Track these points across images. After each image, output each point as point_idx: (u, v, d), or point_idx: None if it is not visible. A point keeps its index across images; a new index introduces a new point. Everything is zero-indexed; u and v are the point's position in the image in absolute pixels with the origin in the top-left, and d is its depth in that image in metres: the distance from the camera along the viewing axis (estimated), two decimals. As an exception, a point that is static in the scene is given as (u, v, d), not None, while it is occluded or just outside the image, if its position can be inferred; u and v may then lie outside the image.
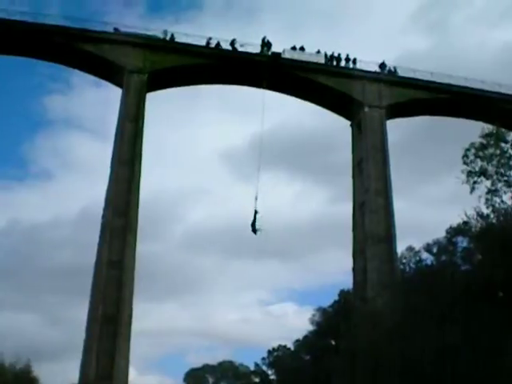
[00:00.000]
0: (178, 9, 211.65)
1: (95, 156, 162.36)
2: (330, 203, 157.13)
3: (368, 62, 66.66)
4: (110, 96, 61.68)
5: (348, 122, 68.90)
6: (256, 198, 52.83)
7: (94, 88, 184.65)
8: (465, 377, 32.94)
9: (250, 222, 52.19)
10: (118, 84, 62.42)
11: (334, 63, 65.94)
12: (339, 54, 66.12)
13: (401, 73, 67.49)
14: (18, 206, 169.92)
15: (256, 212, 52.14)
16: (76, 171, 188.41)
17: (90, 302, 54.02)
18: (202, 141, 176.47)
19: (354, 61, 66.11)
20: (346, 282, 67.65)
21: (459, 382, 33.44)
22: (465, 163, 40.62)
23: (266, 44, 64.20)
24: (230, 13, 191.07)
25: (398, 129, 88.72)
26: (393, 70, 67.47)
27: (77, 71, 67.08)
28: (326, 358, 67.34)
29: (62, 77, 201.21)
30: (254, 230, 51.82)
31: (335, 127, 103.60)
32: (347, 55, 66.28)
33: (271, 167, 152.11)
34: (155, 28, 62.91)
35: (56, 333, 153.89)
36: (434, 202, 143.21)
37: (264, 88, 63.08)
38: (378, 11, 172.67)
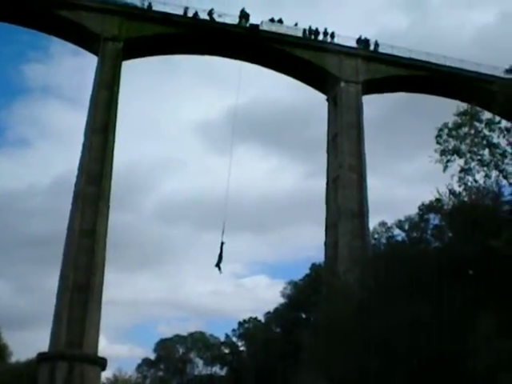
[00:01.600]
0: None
1: (72, 124, 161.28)
2: (305, 178, 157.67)
3: (346, 36, 66.55)
4: (88, 65, 61.18)
5: (324, 97, 68.82)
6: (223, 231, 47.31)
7: (73, 57, 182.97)
8: (434, 352, 33.32)
9: (218, 255, 46.80)
10: (95, 52, 61.78)
11: (312, 37, 65.67)
12: (317, 29, 65.85)
13: (379, 49, 67.39)
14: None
15: (223, 243, 46.77)
16: (53, 139, 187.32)
17: (61, 270, 53.88)
18: (177, 112, 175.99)
19: (332, 35, 65.88)
20: (319, 256, 68.11)
21: (428, 357, 33.83)
22: (438, 143, 40.78)
23: (244, 16, 63.76)
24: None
25: (374, 105, 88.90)
26: (373, 44, 67.19)
27: (56, 40, 66.51)
28: (295, 331, 67.90)
29: (41, 45, 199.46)
30: (219, 265, 46.93)
31: (312, 102, 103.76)
32: (325, 29, 66.09)
33: (247, 141, 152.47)
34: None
35: (27, 301, 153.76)
36: (407, 179, 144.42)
37: (242, 60, 62.72)
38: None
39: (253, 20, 64.04)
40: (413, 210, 52.73)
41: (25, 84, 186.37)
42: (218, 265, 46.80)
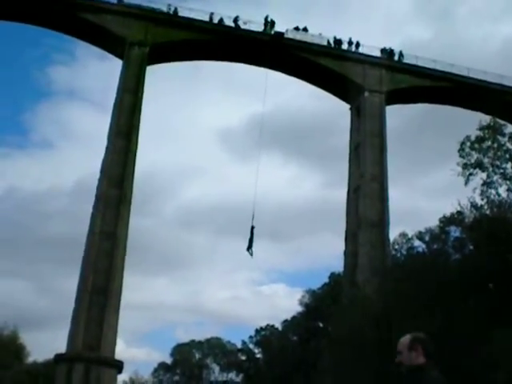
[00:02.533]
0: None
1: (96, 127, 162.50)
2: (325, 187, 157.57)
3: (370, 46, 66.48)
4: (114, 68, 61.52)
5: (347, 107, 68.75)
6: (253, 217, 48.79)
7: (98, 60, 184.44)
8: (451, 364, 33.14)
9: (248, 239, 47.89)
10: (120, 56, 62.14)
11: (336, 46, 65.65)
12: (340, 39, 65.83)
13: (403, 59, 67.23)
14: (17, 174, 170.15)
15: (253, 227, 48.16)
16: (76, 142, 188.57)
17: (80, 272, 54.16)
18: (200, 118, 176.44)
19: (357, 44, 65.82)
20: (338, 265, 67.97)
21: (445, 369, 33.66)
22: (461, 156, 40.63)
23: (269, 23, 63.88)
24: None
25: (396, 116, 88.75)
26: (398, 54, 67.05)
27: (81, 43, 66.97)
28: (312, 340, 67.73)
29: (66, 48, 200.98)
30: (250, 249, 47.61)
31: (334, 112, 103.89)
32: (350, 38, 66.05)
33: (268, 149, 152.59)
34: (160, 2, 62.24)
35: (46, 302, 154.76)
36: (429, 191, 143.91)
37: (267, 67, 62.76)
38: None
39: (279, 28, 64.17)
40: (434, 222, 52.54)
41: (50, 86, 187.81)
42: (248, 249, 46.98)
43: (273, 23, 64.04)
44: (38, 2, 59.36)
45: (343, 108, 69.50)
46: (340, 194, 66.55)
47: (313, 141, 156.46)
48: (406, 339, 5.93)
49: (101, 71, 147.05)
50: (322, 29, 66.33)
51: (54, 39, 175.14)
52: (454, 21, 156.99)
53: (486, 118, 42.66)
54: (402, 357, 5.80)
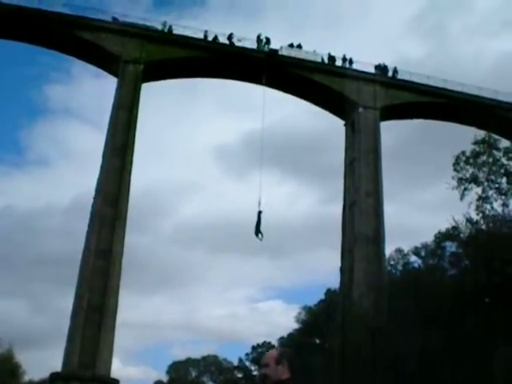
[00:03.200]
0: (183, 5, 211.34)
1: (92, 145, 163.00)
2: (321, 204, 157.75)
3: (364, 62, 66.65)
4: (109, 86, 61.65)
5: (342, 123, 68.87)
6: (259, 203, 48.63)
7: (94, 78, 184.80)
8: (447, 379, 33.07)
9: (255, 224, 47.63)
10: (115, 73, 62.23)
11: (330, 62, 65.87)
12: (334, 56, 66.04)
13: (397, 75, 67.46)
14: (13, 192, 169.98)
15: (260, 212, 47.80)
16: (72, 160, 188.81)
17: (76, 290, 53.93)
18: (195, 135, 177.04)
19: (351, 61, 66.02)
20: (335, 281, 67.85)
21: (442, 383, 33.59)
22: (455, 170, 40.72)
23: (261, 41, 64.09)
24: (234, 11, 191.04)
25: (391, 133, 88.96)
26: (392, 70, 67.30)
27: (77, 62, 67.04)
28: (310, 356, 67.50)
29: (63, 67, 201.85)
30: (258, 233, 47.11)
31: (329, 129, 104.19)
32: (344, 55, 66.24)
33: (265, 165, 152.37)
34: (155, 20, 62.53)
35: (42, 320, 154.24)
36: (424, 207, 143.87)
37: (263, 84, 62.86)
38: (376, 16, 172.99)
39: (273, 45, 64.38)
40: (429, 238, 52.77)
41: (46, 105, 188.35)
42: (257, 233, 46.45)
43: (268, 40, 64.28)
44: (34, 21, 59.41)
45: (337, 125, 69.71)
46: (336, 210, 66.54)
47: (309, 157, 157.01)
48: (273, 353, 5.97)
49: (97, 89, 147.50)
50: (316, 45, 66.86)
51: (50, 58, 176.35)
52: (447, 38, 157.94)
53: (480, 133, 42.84)
54: (269, 370, 5.72)
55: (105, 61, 62.29)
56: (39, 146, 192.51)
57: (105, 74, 65.31)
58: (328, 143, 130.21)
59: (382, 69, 67.20)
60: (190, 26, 63.37)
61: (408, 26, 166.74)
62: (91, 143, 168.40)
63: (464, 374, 32.51)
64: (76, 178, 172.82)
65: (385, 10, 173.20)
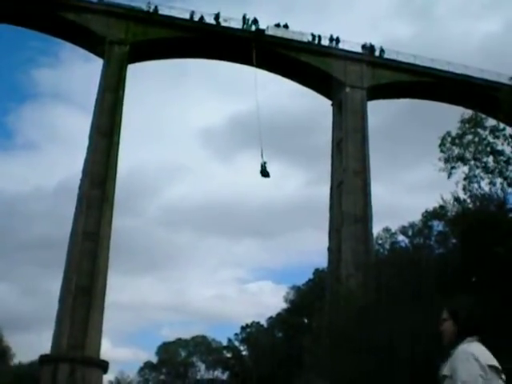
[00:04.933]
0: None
1: (80, 128, 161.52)
2: (308, 185, 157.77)
3: (351, 42, 66.50)
4: (97, 69, 61.23)
5: (329, 104, 68.83)
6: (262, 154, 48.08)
7: (83, 62, 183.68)
8: (436, 358, 33.31)
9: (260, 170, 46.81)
10: (101, 55, 61.85)
11: (317, 42, 65.64)
12: (320, 35, 65.83)
13: (384, 55, 67.34)
14: (1, 176, 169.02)
15: (265, 162, 46.60)
16: (61, 143, 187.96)
17: (64, 273, 53.92)
18: (183, 117, 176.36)
19: (337, 40, 65.81)
20: (323, 261, 68.08)
21: (430, 362, 33.79)
22: (442, 151, 40.73)
23: (247, 20, 63.78)
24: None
25: (378, 113, 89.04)
26: (379, 50, 67.14)
27: (66, 45, 66.80)
28: (298, 336, 67.79)
29: (51, 51, 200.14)
30: (264, 172, 46.67)
31: (316, 110, 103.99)
32: (331, 35, 66.00)
33: (250, 147, 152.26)
34: (141, 0, 62.04)
35: (30, 304, 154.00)
36: (411, 187, 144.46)
37: (252, 65, 62.49)
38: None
39: (261, 26, 64.04)
40: (416, 217, 52.84)
41: (34, 89, 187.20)
42: (262, 172, 45.68)
43: (256, 21, 63.97)
44: (18, 2, 58.92)
45: (324, 107, 69.69)
46: (324, 191, 66.73)
47: (296, 139, 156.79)
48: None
49: (85, 72, 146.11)
50: (303, 26, 66.91)
51: (39, 42, 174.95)
52: (435, 18, 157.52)
53: (468, 112, 42.84)
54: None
55: (90, 42, 61.92)
56: (28, 130, 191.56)
57: (93, 57, 64.98)
58: (315, 124, 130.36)
59: (368, 48, 67.02)
60: (176, 7, 63.14)
61: (395, 7, 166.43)
62: (79, 126, 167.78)
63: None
64: (64, 161, 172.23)
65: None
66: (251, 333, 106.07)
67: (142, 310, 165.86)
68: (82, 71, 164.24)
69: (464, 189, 39.29)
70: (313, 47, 65.34)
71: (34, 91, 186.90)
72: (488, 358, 4.90)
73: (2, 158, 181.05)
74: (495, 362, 4.90)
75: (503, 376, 4.98)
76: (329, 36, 65.97)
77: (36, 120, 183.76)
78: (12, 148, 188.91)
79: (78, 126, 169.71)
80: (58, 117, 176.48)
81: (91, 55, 65.56)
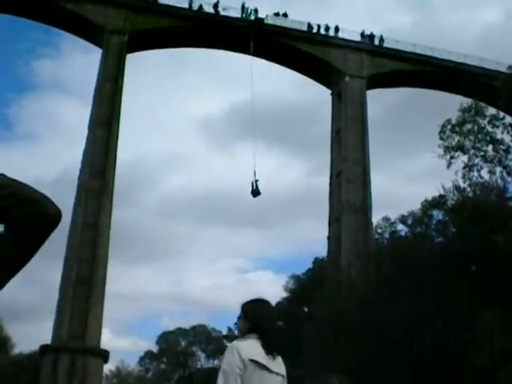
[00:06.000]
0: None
1: (80, 118, 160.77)
2: (308, 175, 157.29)
3: (350, 31, 66.24)
4: (97, 59, 61.07)
5: (328, 93, 68.72)
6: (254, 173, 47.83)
7: (83, 53, 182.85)
8: (435, 346, 33.40)
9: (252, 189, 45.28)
10: (99, 44, 61.72)
11: (316, 31, 65.47)
12: (319, 25, 65.65)
13: (384, 44, 67.19)
14: (1, 167, 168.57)
15: (257, 181, 44.95)
16: (61, 134, 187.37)
17: (64, 262, 53.98)
18: (182, 107, 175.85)
19: (337, 29, 65.60)
20: (323, 251, 68.13)
21: (430, 350, 33.90)
22: (441, 139, 40.74)
23: (246, 9, 63.62)
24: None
25: (377, 102, 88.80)
26: (379, 38, 66.97)
27: (67, 36, 66.60)
28: (298, 325, 67.90)
29: (52, 42, 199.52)
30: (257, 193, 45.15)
31: (315, 100, 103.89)
32: (326, 24, 65.78)
33: (250, 137, 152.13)
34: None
35: (31, 293, 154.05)
36: (410, 176, 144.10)
37: (250, 54, 62.35)
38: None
39: (261, 15, 63.89)
40: (416, 206, 52.89)
41: (35, 80, 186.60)
42: (253, 192, 45.38)
43: (256, 11, 63.82)
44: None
45: (324, 96, 69.57)
46: (323, 181, 66.72)
47: (296, 129, 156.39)
48: None
49: (85, 63, 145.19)
50: (303, 16, 66.78)
51: (39, 33, 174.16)
52: (434, 8, 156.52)
53: (467, 101, 42.85)
54: None
55: (89, 32, 61.73)
56: (27, 121, 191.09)
57: (93, 47, 64.82)
58: (315, 114, 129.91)
59: (368, 37, 66.84)
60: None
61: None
62: (79, 116, 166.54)
63: (450, 339, 32.85)
64: (64, 152, 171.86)
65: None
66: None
67: (142, 300, 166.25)
68: (82, 61, 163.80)
69: (464, 177, 39.37)
70: (312, 36, 65.07)
71: (34, 82, 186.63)
72: (253, 353, 5.22)
73: (2, 149, 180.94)
74: (259, 358, 5.22)
75: (277, 373, 5.40)
76: (330, 27, 65.69)
77: (36, 111, 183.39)
78: (12, 139, 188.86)
79: (77, 116, 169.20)
80: (57, 107, 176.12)
81: (91, 45, 65.49)
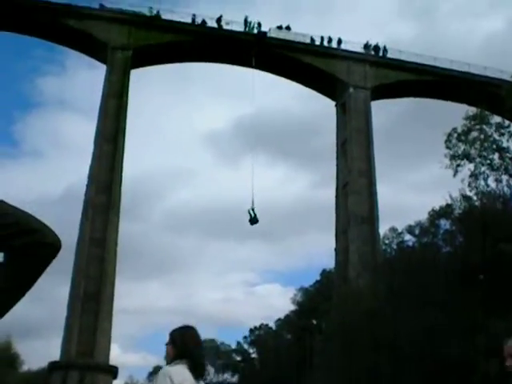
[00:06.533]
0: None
1: (85, 134, 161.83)
2: (314, 187, 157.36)
3: (354, 42, 66.34)
4: (101, 75, 61.33)
5: (333, 105, 68.77)
6: (252, 201, 48.12)
7: (88, 69, 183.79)
8: (445, 356, 33.22)
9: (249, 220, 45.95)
10: (103, 60, 61.93)
11: (320, 43, 65.60)
12: (322, 37, 65.77)
13: (387, 54, 67.28)
14: (7, 184, 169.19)
15: (253, 209, 45.69)
16: (66, 150, 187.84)
17: (71, 279, 53.97)
18: (188, 121, 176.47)
19: (339, 41, 65.71)
20: (331, 263, 68.01)
21: (440, 361, 33.72)
22: (447, 147, 40.71)
23: (249, 23, 63.83)
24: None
25: (382, 113, 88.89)
26: (382, 48, 67.05)
27: (71, 54, 66.82)
28: (306, 337, 67.78)
29: (56, 59, 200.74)
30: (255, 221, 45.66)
31: (320, 112, 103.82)
32: (329, 37, 65.88)
33: (256, 150, 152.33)
34: (142, 5, 62.23)
35: (39, 310, 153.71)
36: (416, 186, 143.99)
37: (253, 67, 62.52)
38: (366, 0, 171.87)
39: (264, 29, 64.10)
40: (423, 217, 52.77)
41: (40, 97, 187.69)
42: (251, 220, 45.45)
43: (259, 24, 64.03)
44: (20, 10, 58.91)
45: (328, 108, 69.64)
46: (329, 193, 66.66)
47: (300, 141, 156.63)
48: None
49: (90, 79, 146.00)
50: (306, 28, 66.79)
51: (43, 50, 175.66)
52: (437, 18, 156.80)
53: (472, 110, 42.81)
54: None
55: (93, 48, 61.96)
56: (33, 138, 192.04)
57: (98, 63, 64.99)
58: (319, 126, 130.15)
59: (369, 47, 66.92)
60: (177, 11, 63.15)
61: (398, 8, 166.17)
62: (84, 133, 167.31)
63: (462, 349, 32.68)
64: (70, 168, 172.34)
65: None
66: (260, 335, 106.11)
67: (150, 315, 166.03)
68: (87, 78, 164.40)
69: (470, 186, 39.30)
70: (315, 48, 65.21)
71: (39, 99, 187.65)
72: (183, 378, 5.49)
73: (8, 166, 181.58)
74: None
75: None
76: (332, 39, 65.82)
77: (41, 128, 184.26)
78: (18, 156, 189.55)
79: (83, 132, 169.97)
80: (62, 124, 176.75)
81: (95, 62, 65.71)
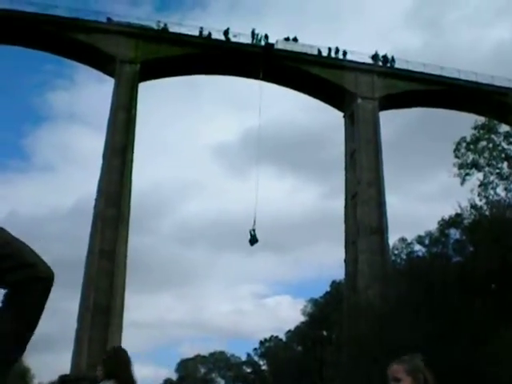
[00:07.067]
0: (184, 8, 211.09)
1: (95, 148, 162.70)
2: (322, 198, 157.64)
3: (361, 53, 66.43)
4: (111, 89, 61.62)
5: (340, 116, 68.81)
6: (254, 221, 49.44)
7: (97, 83, 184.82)
8: (457, 366, 33.08)
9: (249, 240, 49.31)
10: (111, 74, 62.20)
11: (327, 54, 65.71)
12: (330, 48, 65.88)
13: (395, 64, 67.32)
14: (18, 198, 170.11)
15: (254, 230, 49.02)
16: (76, 164, 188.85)
17: (81, 292, 54.04)
18: (196, 133, 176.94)
19: (344, 53, 65.79)
20: (340, 273, 67.93)
21: (452, 371, 33.58)
22: (456, 156, 40.68)
23: (256, 35, 64.06)
24: (234, 12, 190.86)
25: (390, 124, 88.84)
26: (390, 59, 67.11)
27: (80, 68, 67.17)
28: (317, 349, 67.58)
29: (66, 73, 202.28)
30: (254, 241, 48.96)
31: (328, 123, 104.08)
32: (336, 47, 65.97)
33: (263, 162, 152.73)
34: (150, 19, 62.55)
35: (49, 323, 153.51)
36: (425, 196, 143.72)
37: (260, 79, 62.73)
38: (373, 10, 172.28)
39: (271, 40, 64.32)
40: (432, 227, 52.66)
41: (50, 111, 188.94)
42: (251, 240, 46.33)
43: (266, 36, 64.23)
44: (30, 24, 59.28)
45: (336, 119, 69.70)
46: (338, 204, 66.73)
47: (308, 152, 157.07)
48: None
49: (98, 93, 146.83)
50: (313, 38, 66.54)
51: (53, 65, 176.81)
52: (444, 27, 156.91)
53: (481, 119, 42.80)
54: None
55: (101, 62, 62.23)
56: (44, 152, 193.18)
57: (107, 77, 65.27)
58: (327, 137, 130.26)
59: (377, 57, 66.99)
60: (185, 24, 63.47)
61: (405, 18, 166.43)
62: (94, 146, 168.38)
63: (469, 361, 32.55)
64: (80, 181, 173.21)
65: (381, 4, 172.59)
66: (270, 347, 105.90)
67: (160, 328, 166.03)
68: (96, 91, 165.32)
69: (479, 195, 39.23)
70: (323, 60, 65.29)
71: (48, 113, 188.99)
72: None
73: (19, 180, 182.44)
74: None
75: None
76: (338, 49, 65.92)
77: (51, 142, 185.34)
78: (28, 170, 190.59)
79: (92, 146, 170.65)
80: (72, 138, 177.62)
81: (104, 75, 65.99)
